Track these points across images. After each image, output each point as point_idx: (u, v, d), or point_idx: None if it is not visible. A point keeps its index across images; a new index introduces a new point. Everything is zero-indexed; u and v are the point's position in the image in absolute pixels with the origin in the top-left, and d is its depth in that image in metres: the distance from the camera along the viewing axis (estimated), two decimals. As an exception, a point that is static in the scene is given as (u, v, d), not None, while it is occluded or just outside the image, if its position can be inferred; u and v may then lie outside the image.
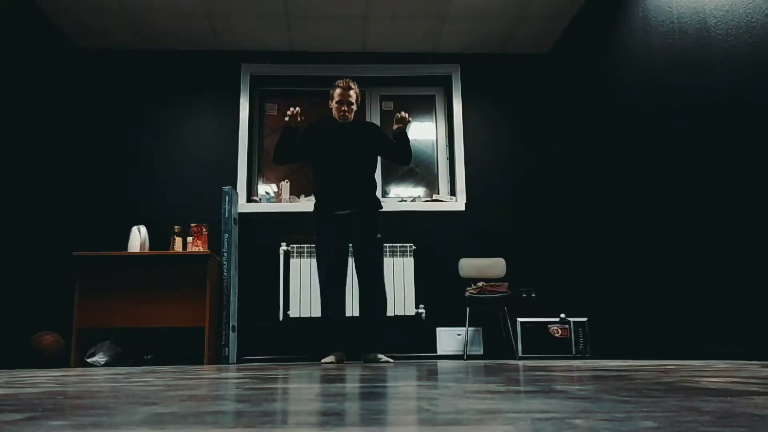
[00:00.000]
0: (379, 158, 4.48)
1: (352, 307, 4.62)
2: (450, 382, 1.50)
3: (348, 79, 3.77)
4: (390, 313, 4.68)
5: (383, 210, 3.86)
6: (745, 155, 2.85)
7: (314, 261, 4.73)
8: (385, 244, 4.68)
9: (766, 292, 2.71)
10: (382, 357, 3.67)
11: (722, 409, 0.78)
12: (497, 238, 5.09)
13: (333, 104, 3.77)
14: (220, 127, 5.16)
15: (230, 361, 4.41)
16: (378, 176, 5.16)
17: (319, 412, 0.82)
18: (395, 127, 3.75)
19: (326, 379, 1.70)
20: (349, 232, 3.69)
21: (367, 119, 5.42)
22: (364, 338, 3.70)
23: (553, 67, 5.39)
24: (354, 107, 3.76)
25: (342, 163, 3.69)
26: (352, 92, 3.73)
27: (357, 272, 3.70)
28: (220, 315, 4.43)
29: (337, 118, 3.76)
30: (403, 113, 3.72)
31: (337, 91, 3.73)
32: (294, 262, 4.79)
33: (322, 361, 3.65)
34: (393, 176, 5.37)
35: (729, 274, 2.98)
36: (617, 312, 4.19)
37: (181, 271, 4.21)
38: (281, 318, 4.75)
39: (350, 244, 3.75)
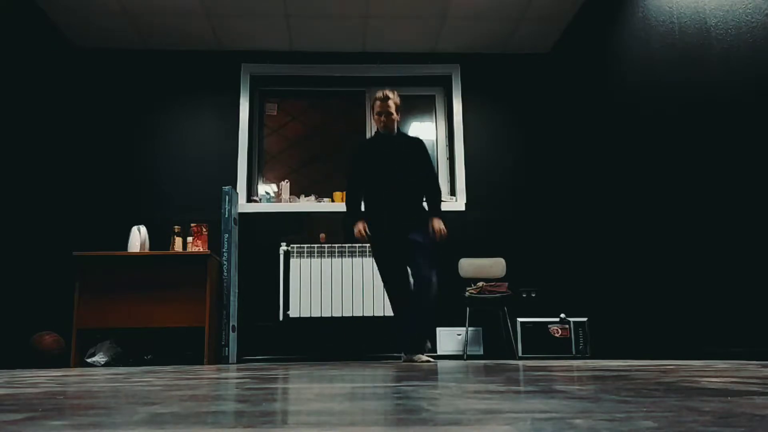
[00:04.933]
0: None
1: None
2: (450, 382, 1.50)
3: (387, 90, 3.82)
4: (390, 312, 4.69)
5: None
6: (745, 155, 2.85)
7: (314, 261, 4.78)
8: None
9: (766, 292, 2.71)
10: (422, 357, 3.60)
11: (722, 409, 0.78)
12: (497, 238, 5.09)
13: (374, 117, 3.85)
14: (220, 127, 5.16)
15: (230, 361, 4.41)
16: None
17: (319, 412, 0.82)
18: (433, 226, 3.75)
19: (326, 380, 1.70)
20: (401, 238, 3.71)
21: (368, 118, 5.42)
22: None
23: (553, 67, 5.39)
24: (394, 116, 3.80)
25: (388, 179, 3.75)
26: (390, 102, 3.77)
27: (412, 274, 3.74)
28: (220, 315, 4.43)
29: (379, 129, 3.84)
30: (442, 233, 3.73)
31: (376, 103, 3.80)
32: (294, 262, 4.79)
33: (418, 360, 3.58)
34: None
35: (729, 274, 2.98)
36: (617, 312, 4.19)
37: (181, 271, 4.21)
38: (281, 318, 4.75)
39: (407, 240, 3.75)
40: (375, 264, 3.76)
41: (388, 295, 3.75)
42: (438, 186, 3.83)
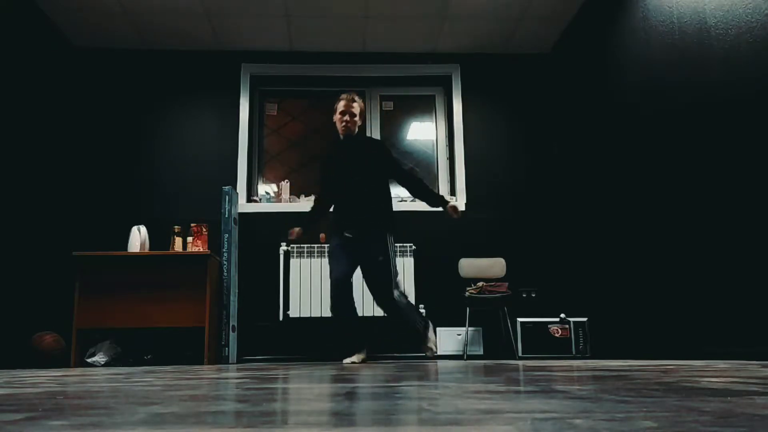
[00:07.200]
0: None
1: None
2: (450, 382, 1.50)
3: (352, 93, 3.80)
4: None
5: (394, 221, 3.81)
6: (745, 155, 2.85)
7: (314, 261, 4.78)
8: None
9: (766, 293, 2.71)
10: (430, 347, 3.66)
11: (722, 409, 0.78)
12: (497, 238, 5.09)
13: (336, 116, 3.77)
14: (220, 127, 5.16)
15: (230, 361, 4.41)
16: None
17: (319, 412, 0.82)
18: (450, 211, 3.76)
19: (326, 380, 1.70)
20: (355, 250, 3.67)
21: (367, 119, 5.42)
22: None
23: (553, 67, 5.39)
24: (357, 119, 3.74)
25: (348, 181, 3.70)
26: (354, 104, 3.73)
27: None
28: (220, 315, 4.43)
29: (339, 130, 3.78)
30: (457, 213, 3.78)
31: (341, 102, 3.74)
32: (294, 262, 4.79)
33: (344, 362, 3.63)
34: (393, 176, 5.36)
35: (729, 274, 2.98)
36: (617, 312, 4.19)
37: (181, 271, 4.21)
38: (281, 318, 4.75)
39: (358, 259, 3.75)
40: (328, 260, 3.71)
41: (331, 297, 3.62)
42: (415, 176, 3.81)
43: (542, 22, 4.96)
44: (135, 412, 0.84)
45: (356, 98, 3.76)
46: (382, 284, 3.60)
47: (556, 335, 4.44)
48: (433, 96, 5.56)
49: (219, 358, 4.38)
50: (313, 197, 5.10)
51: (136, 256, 4.22)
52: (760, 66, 2.74)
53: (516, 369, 2.27)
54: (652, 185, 3.70)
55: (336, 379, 1.69)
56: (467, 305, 4.49)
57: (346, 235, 3.66)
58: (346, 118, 3.71)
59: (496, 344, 4.87)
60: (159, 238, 4.81)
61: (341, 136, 3.79)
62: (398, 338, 4.84)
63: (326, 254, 3.77)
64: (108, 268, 4.19)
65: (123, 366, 3.99)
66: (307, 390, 1.28)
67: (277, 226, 4.97)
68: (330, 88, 5.45)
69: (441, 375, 1.89)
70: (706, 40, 3.15)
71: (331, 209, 3.83)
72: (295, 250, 4.82)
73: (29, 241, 4.37)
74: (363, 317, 4.71)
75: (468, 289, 4.52)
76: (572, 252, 4.99)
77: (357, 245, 3.66)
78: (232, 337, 4.51)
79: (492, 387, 1.26)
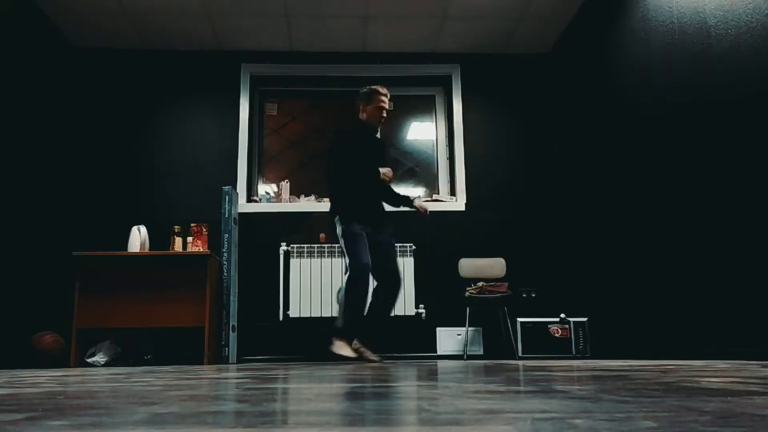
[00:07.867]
0: None
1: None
2: (450, 382, 1.50)
3: (385, 87, 3.89)
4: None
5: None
6: (745, 155, 2.85)
7: (314, 261, 4.77)
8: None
9: (766, 292, 2.71)
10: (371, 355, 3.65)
11: (722, 409, 0.78)
12: (497, 238, 5.09)
13: (372, 108, 3.78)
14: (220, 127, 5.16)
15: (230, 361, 4.41)
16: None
17: (319, 412, 0.82)
18: (417, 206, 3.90)
19: (326, 380, 1.70)
20: (374, 235, 3.71)
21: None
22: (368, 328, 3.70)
23: (553, 67, 5.39)
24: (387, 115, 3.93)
25: (372, 173, 3.75)
26: (388, 100, 3.86)
27: (377, 269, 3.67)
28: (220, 315, 4.43)
29: (375, 122, 3.81)
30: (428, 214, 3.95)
31: (380, 97, 3.79)
32: (294, 262, 4.79)
33: (363, 354, 3.52)
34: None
35: (729, 274, 2.98)
36: (617, 312, 4.19)
37: (181, 271, 4.21)
38: (281, 318, 4.75)
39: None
40: (353, 251, 3.58)
41: (357, 281, 3.51)
42: None
43: (542, 22, 4.96)
44: (135, 412, 0.84)
45: (388, 93, 3.89)
46: (396, 261, 3.77)
47: (556, 335, 4.44)
48: (433, 96, 5.56)
49: (219, 358, 4.38)
50: (310, 196, 5.09)
51: (136, 256, 4.22)
52: (760, 66, 2.74)
53: (516, 369, 2.27)
54: (652, 185, 3.70)
55: (336, 379, 1.69)
56: (467, 305, 4.49)
57: (369, 220, 3.71)
58: (384, 114, 3.83)
59: (496, 344, 4.87)
60: (159, 238, 4.81)
61: (370, 126, 3.83)
62: (399, 338, 4.84)
63: (344, 238, 3.64)
64: (108, 268, 4.19)
65: (123, 366, 3.99)
66: (306, 390, 1.28)
67: (277, 226, 4.98)
68: (330, 88, 5.45)
69: (441, 375, 1.89)
70: (706, 40, 3.14)
71: (347, 193, 3.75)
72: (295, 250, 4.82)
73: (29, 241, 4.37)
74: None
75: (468, 289, 4.52)
76: (572, 252, 4.99)
77: (377, 230, 3.73)
78: (232, 337, 4.51)
79: (492, 387, 1.26)
